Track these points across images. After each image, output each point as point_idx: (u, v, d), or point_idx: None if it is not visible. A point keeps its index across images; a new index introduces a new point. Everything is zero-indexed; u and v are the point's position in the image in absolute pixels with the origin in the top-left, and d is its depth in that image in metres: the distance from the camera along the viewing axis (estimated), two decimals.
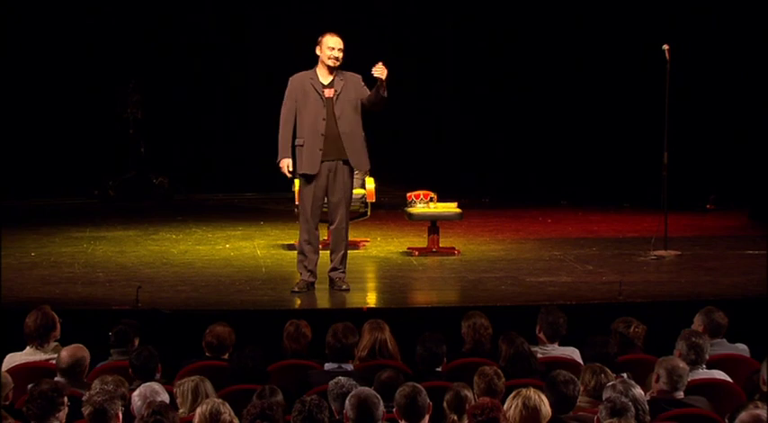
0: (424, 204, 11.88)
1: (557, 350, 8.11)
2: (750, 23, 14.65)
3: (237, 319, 8.57)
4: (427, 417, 6.24)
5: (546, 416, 6.20)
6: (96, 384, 6.39)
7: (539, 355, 7.81)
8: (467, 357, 7.89)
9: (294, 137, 9.86)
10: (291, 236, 11.91)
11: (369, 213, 12.09)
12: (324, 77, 9.84)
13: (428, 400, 6.24)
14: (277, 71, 11.08)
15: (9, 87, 14.83)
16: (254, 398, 6.41)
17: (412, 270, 11.18)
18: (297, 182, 10.80)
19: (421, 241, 12.06)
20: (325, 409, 6.09)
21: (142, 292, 9.52)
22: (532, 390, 6.25)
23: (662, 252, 11.53)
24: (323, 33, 9.84)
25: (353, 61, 9.97)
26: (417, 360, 7.65)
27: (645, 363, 7.58)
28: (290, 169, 9.87)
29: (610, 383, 6.58)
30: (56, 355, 7.57)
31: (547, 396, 6.30)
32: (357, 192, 11.27)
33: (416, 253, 11.75)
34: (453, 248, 11.87)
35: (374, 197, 12.02)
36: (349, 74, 9.91)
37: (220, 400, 6.21)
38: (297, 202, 10.86)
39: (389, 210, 13.76)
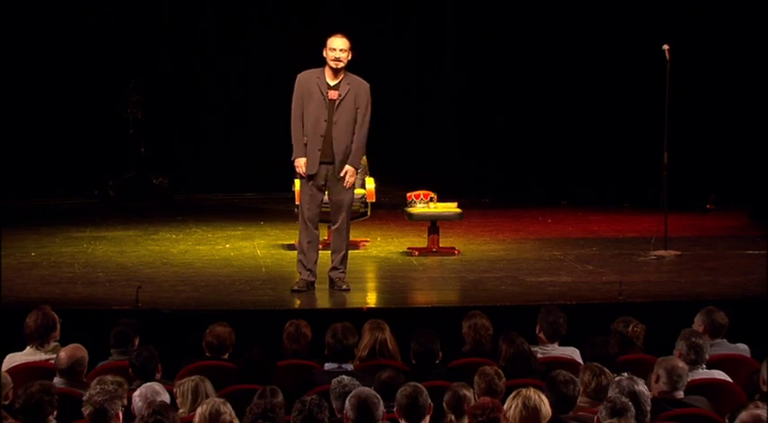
0: (424, 204, 11.88)
1: (557, 350, 8.12)
2: (750, 23, 14.64)
3: (237, 319, 8.56)
4: (428, 417, 6.24)
5: (546, 416, 6.20)
6: (96, 384, 6.39)
7: (539, 355, 7.82)
8: (467, 357, 7.89)
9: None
10: (291, 236, 11.91)
11: (369, 213, 12.08)
12: (330, 79, 9.84)
13: (429, 401, 6.25)
14: (277, 71, 11.11)
15: (9, 87, 14.81)
16: (255, 398, 6.41)
17: (412, 270, 11.18)
18: (297, 182, 10.80)
19: (421, 241, 12.06)
20: (325, 409, 6.10)
21: (142, 292, 9.52)
22: (532, 390, 6.25)
23: (662, 252, 11.53)
24: (330, 35, 9.85)
25: (354, 61, 9.97)
26: (412, 356, 7.67)
27: (645, 363, 7.58)
28: (305, 168, 9.86)
29: (616, 378, 6.58)
30: (55, 356, 7.58)
31: (547, 396, 6.31)
32: (357, 192, 11.26)
33: (416, 253, 11.75)
34: (453, 248, 11.87)
35: (374, 197, 12.01)
36: (358, 80, 9.89)
37: (221, 400, 6.21)
38: (297, 202, 10.85)
39: (389, 210, 13.76)
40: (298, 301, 9.78)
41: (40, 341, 7.92)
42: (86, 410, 6.22)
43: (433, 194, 11.95)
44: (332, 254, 10.10)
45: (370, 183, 11.98)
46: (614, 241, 12.53)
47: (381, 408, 6.16)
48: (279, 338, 8.04)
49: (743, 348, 8.07)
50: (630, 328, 8.04)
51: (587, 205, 15.02)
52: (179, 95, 15.89)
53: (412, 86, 16.16)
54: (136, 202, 15.22)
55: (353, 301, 9.80)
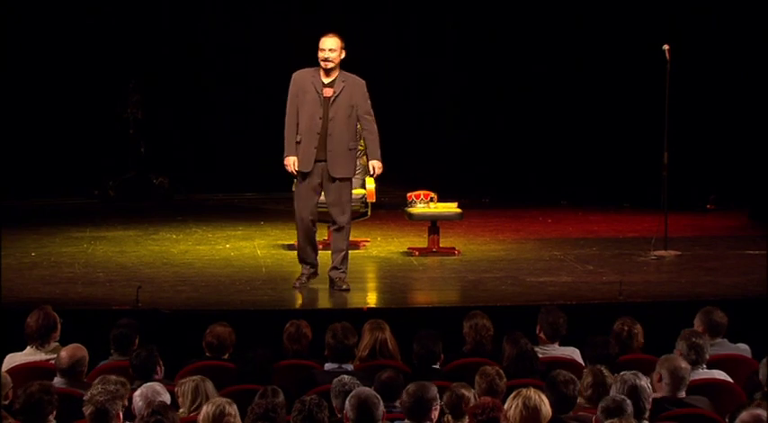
0: (424, 204, 11.88)
1: (557, 350, 8.12)
2: (750, 23, 14.64)
3: (237, 319, 8.56)
4: (435, 414, 6.24)
5: (546, 416, 6.20)
6: (99, 384, 6.39)
7: (539, 355, 7.82)
8: (467, 357, 7.90)
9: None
10: (291, 236, 11.89)
11: (369, 213, 12.08)
12: (324, 77, 9.85)
13: (436, 400, 6.24)
14: (277, 71, 11.09)
15: (9, 87, 14.80)
16: (257, 398, 6.41)
17: (412, 270, 11.18)
18: (295, 181, 10.80)
19: (421, 241, 12.05)
20: (324, 409, 6.10)
21: (142, 292, 9.52)
22: (533, 390, 6.25)
23: (662, 252, 11.53)
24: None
25: (353, 61, 9.97)
26: (414, 358, 7.67)
27: (645, 363, 7.58)
28: (297, 167, 9.87)
29: (621, 373, 6.58)
30: (56, 356, 7.58)
31: (547, 396, 6.30)
32: (357, 192, 11.27)
33: (417, 253, 11.75)
34: (453, 248, 11.87)
35: (374, 197, 12.00)
36: (353, 78, 9.90)
37: (227, 400, 6.20)
38: None
39: (389, 210, 13.74)
40: (298, 302, 9.79)
41: (40, 341, 7.93)
42: (87, 410, 6.22)
43: (433, 194, 11.95)
44: (332, 254, 10.10)
45: (371, 183, 11.97)
46: (614, 241, 12.53)
47: (381, 408, 6.16)
48: (279, 338, 8.04)
49: (743, 348, 8.07)
50: (631, 329, 8.04)
51: (587, 205, 15.02)
52: (179, 95, 15.89)
53: (412, 86, 16.15)
54: (136, 202, 15.21)
55: (354, 301, 9.80)
